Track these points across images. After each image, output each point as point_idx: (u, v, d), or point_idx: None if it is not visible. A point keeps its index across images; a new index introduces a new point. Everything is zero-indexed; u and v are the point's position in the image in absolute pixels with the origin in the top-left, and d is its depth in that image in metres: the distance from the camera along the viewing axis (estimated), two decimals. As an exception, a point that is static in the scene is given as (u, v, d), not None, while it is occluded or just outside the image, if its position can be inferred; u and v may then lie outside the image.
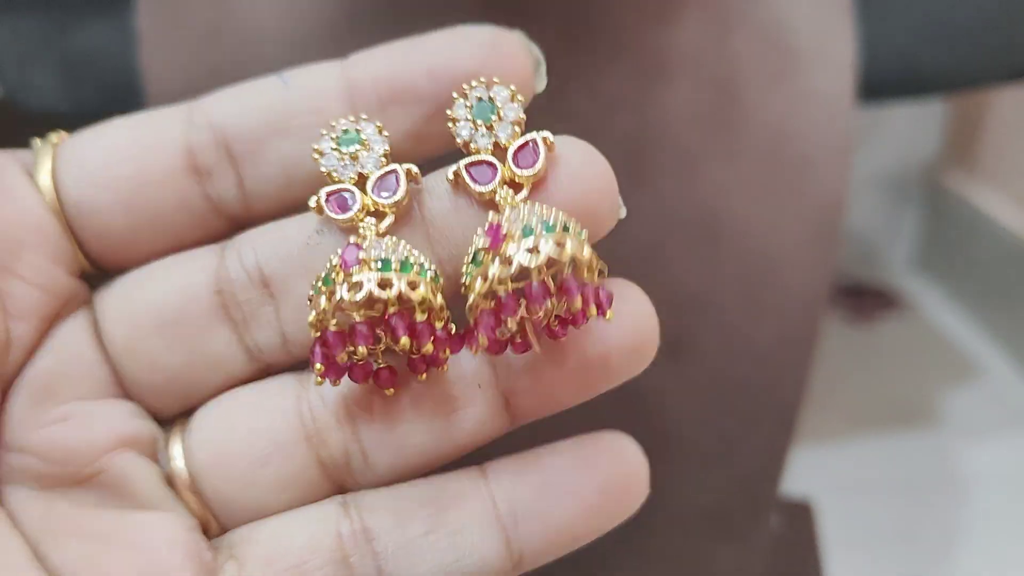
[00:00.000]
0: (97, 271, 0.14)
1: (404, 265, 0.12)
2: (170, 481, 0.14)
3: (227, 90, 0.14)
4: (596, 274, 0.12)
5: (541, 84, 0.14)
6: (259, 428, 0.14)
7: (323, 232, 0.13)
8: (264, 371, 0.14)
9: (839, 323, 0.75)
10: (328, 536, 0.13)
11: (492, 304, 0.12)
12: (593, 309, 0.12)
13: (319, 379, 0.12)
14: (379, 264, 0.12)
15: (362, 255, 0.12)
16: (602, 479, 0.13)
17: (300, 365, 0.14)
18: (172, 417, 0.15)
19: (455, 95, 0.13)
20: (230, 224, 0.14)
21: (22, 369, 0.13)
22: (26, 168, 0.14)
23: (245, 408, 0.14)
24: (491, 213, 0.12)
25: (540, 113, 0.30)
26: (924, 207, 0.82)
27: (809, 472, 0.58)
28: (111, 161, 0.14)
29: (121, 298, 0.14)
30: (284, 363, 0.14)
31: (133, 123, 0.14)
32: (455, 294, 0.13)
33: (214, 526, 0.14)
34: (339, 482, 0.14)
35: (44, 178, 0.13)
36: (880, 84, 0.38)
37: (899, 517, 0.56)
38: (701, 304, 0.31)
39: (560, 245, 0.11)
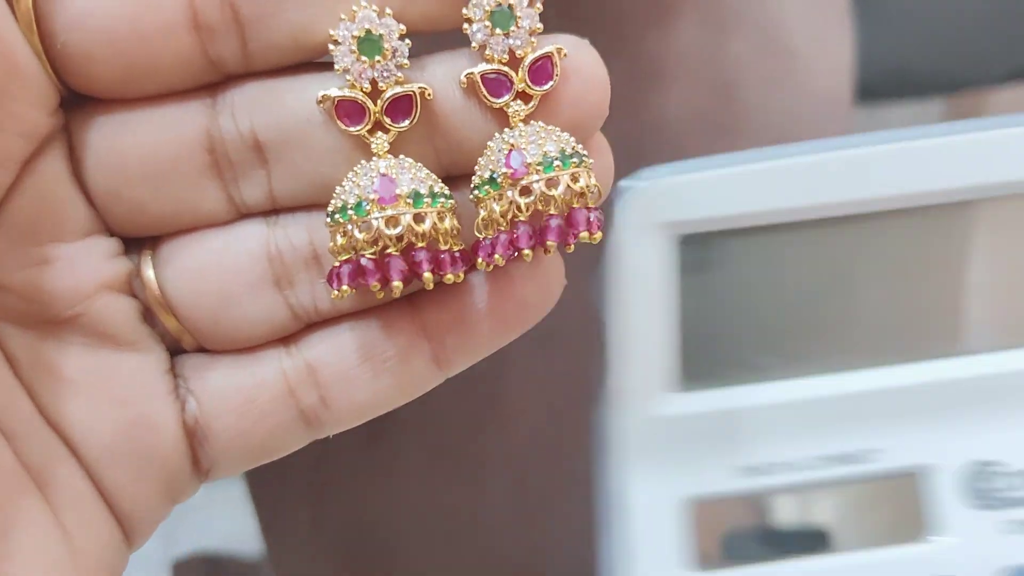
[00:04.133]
0: (73, 95, 0.14)
1: (433, 197, 0.13)
2: (147, 309, 0.15)
3: None
4: (596, 198, 0.13)
5: None
6: (230, 268, 0.14)
7: (322, 116, 0.13)
8: (239, 217, 0.15)
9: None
10: (274, 372, 0.15)
11: (507, 227, 0.13)
12: (585, 234, 0.13)
13: (342, 297, 0.13)
14: (411, 199, 0.13)
15: (397, 190, 0.13)
16: (518, 299, 0.14)
17: (271, 213, 0.15)
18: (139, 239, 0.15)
19: None
20: (226, 78, 0.14)
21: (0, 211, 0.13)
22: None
23: (216, 247, 0.14)
24: (507, 132, 0.13)
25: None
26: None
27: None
28: (108, 10, 0.13)
29: (107, 144, 0.14)
30: (260, 212, 0.15)
31: None
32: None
33: (189, 341, 0.15)
34: (307, 321, 0.15)
35: (25, 9, 0.13)
36: (877, 86, 0.38)
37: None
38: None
39: (575, 180, 0.13)
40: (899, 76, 0.38)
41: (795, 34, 0.31)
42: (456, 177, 0.14)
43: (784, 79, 0.31)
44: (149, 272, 0.15)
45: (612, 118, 0.33)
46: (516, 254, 0.13)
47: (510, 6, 0.13)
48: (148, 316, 0.15)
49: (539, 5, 0.13)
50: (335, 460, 0.31)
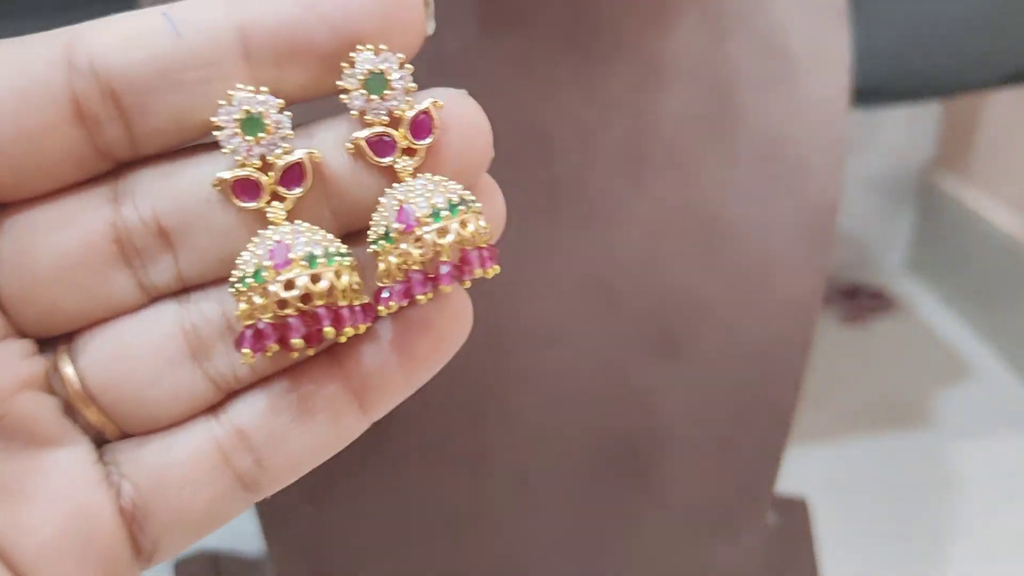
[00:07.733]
0: None
1: (328, 257, 0.13)
2: (68, 404, 0.15)
3: (108, 25, 0.13)
4: (488, 237, 0.14)
5: (431, 26, 0.14)
6: (146, 350, 0.14)
7: (218, 196, 0.14)
8: (150, 301, 0.15)
9: (834, 323, 0.76)
10: (206, 442, 0.15)
11: (403, 278, 0.13)
12: (479, 271, 0.14)
13: (250, 359, 0.13)
14: (306, 261, 0.13)
15: (291, 255, 0.13)
16: (431, 337, 0.15)
17: (181, 292, 0.15)
18: (52, 337, 0.15)
19: (343, 64, 0.13)
20: (117, 165, 0.14)
21: None
22: None
23: (130, 333, 0.15)
24: (396, 188, 0.14)
25: (539, 116, 0.30)
26: (918, 209, 0.83)
27: (804, 470, 0.58)
28: None
29: (14, 249, 0.14)
30: (170, 292, 0.15)
31: (7, 63, 0.13)
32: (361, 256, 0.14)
33: (112, 430, 0.15)
34: (228, 390, 0.15)
35: None
36: (875, 88, 0.38)
37: (893, 515, 0.56)
38: (697, 304, 0.31)
39: (464, 226, 0.13)
40: (896, 77, 0.39)
41: (793, 37, 0.31)
42: (356, 233, 0.14)
43: (782, 81, 0.31)
44: (67, 367, 0.14)
45: (611, 119, 0.33)
46: (410, 301, 0.13)
47: (382, 71, 0.13)
48: (70, 410, 0.15)
49: (409, 65, 0.14)
50: (336, 458, 0.31)
